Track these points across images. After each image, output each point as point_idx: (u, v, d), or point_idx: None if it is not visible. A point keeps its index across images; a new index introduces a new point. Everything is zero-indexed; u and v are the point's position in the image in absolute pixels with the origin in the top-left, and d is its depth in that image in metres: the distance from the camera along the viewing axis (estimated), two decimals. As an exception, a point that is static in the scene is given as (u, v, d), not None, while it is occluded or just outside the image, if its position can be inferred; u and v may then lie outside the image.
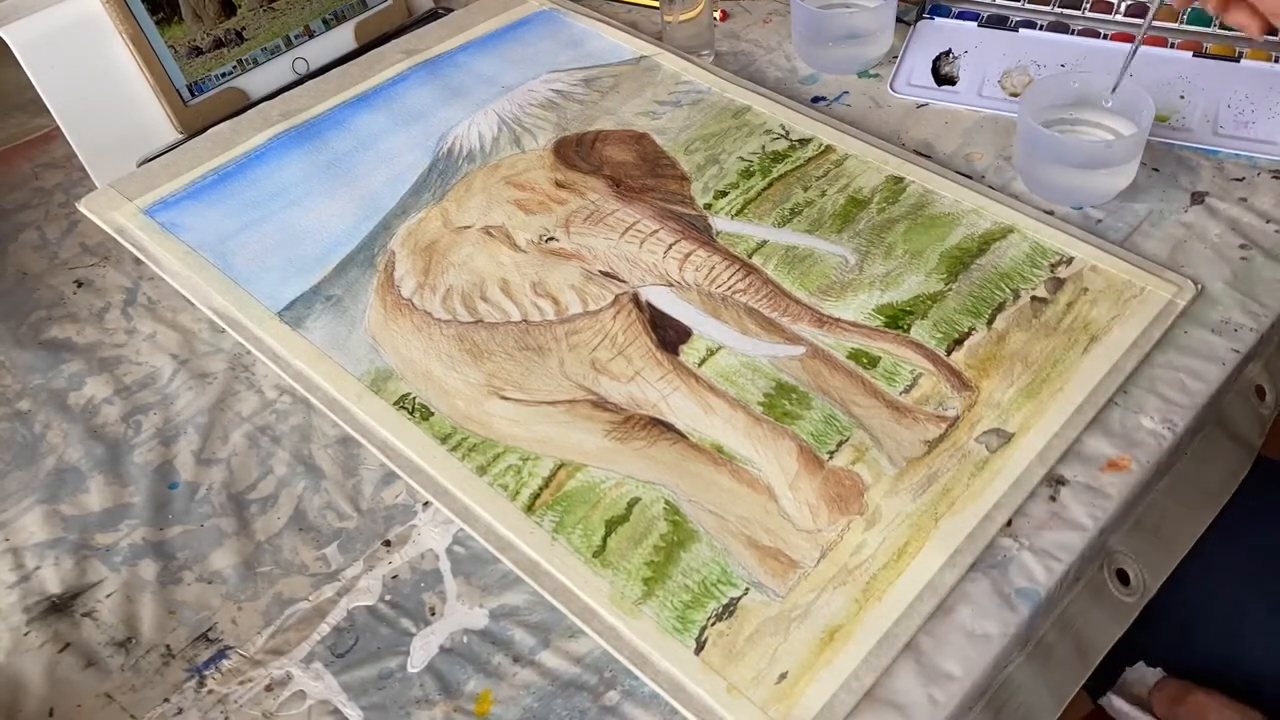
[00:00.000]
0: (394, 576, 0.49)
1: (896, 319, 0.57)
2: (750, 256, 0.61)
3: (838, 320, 0.57)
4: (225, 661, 0.47)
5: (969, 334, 0.56)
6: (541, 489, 0.50)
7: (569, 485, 0.51)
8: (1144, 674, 0.65)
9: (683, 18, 0.76)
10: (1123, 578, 0.50)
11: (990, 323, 0.56)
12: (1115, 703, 0.66)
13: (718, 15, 0.83)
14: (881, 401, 0.53)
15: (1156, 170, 0.66)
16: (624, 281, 0.60)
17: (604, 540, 0.48)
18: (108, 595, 0.49)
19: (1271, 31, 0.58)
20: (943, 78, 0.74)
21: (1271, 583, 0.63)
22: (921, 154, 0.68)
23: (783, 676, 0.43)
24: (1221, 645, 0.64)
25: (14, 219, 0.71)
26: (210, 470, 0.54)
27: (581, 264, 0.61)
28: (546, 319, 0.58)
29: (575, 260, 0.61)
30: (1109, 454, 0.51)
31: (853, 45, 0.75)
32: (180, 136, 0.72)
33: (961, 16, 0.79)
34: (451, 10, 0.83)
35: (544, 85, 0.75)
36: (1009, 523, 0.48)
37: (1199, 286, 0.58)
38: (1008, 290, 0.58)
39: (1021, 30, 0.77)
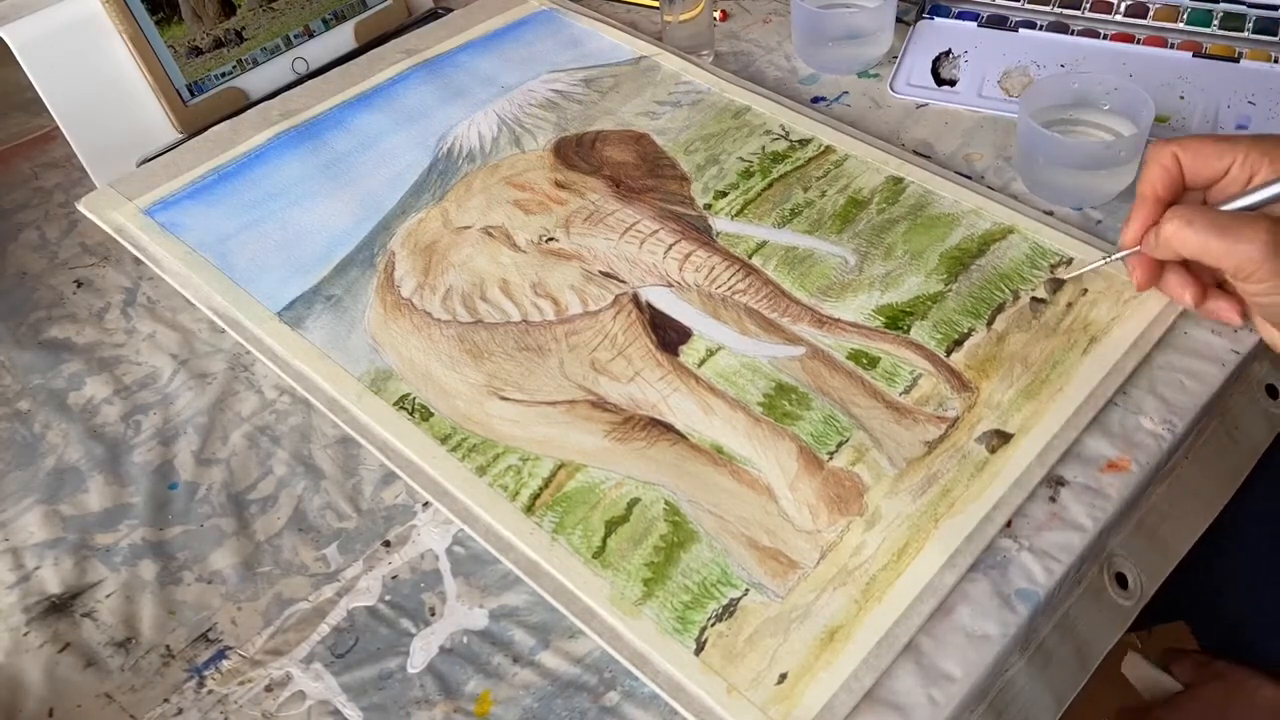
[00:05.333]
0: (394, 577, 0.49)
1: (896, 319, 0.57)
2: (750, 257, 0.61)
3: (837, 321, 0.57)
4: (225, 662, 0.47)
5: (969, 335, 0.56)
6: (541, 489, 0.50)
7: (569, 486, 0.51)
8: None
9: (683, 18, 0.76)
10: (1121, 581, 0.50)
11: (990, 323, 0.56)
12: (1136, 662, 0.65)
13: (718, 15, 0.83)
14: (881, 402, 0.53)
15: (1156, 171, 0.65)
16: (624, 282, 0.60)
17: (604, 541, 0.48)
18: (107, 595, 0.49)
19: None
20: (942, 80, 0.74)
21: None
22: (921, 154, 0.68)
23: (782, 677, 0.43)
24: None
25: (14, 219, 0.71)
26: (210, 470, 0.54)
27: (581, 264, 0.61)
28: (546, 319, 0.58)
29: (575, 260, 0.61)
30: (1109, 455, 0.51)
31: (853, 45, 0.75)
32: (180, 136, 0.72)
33: (961, 16, 0.79)
34: (451, 10, 0.83)
35: (544, 85, 0.75)
36: (1009, 523, 0.48)
37: (1199, 287, 0.58)
38: (1007, 291, 0.58)
39: (1021, 30, 0.77)
